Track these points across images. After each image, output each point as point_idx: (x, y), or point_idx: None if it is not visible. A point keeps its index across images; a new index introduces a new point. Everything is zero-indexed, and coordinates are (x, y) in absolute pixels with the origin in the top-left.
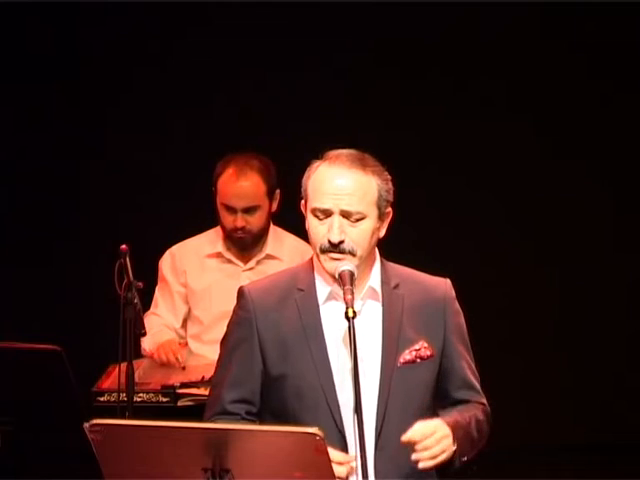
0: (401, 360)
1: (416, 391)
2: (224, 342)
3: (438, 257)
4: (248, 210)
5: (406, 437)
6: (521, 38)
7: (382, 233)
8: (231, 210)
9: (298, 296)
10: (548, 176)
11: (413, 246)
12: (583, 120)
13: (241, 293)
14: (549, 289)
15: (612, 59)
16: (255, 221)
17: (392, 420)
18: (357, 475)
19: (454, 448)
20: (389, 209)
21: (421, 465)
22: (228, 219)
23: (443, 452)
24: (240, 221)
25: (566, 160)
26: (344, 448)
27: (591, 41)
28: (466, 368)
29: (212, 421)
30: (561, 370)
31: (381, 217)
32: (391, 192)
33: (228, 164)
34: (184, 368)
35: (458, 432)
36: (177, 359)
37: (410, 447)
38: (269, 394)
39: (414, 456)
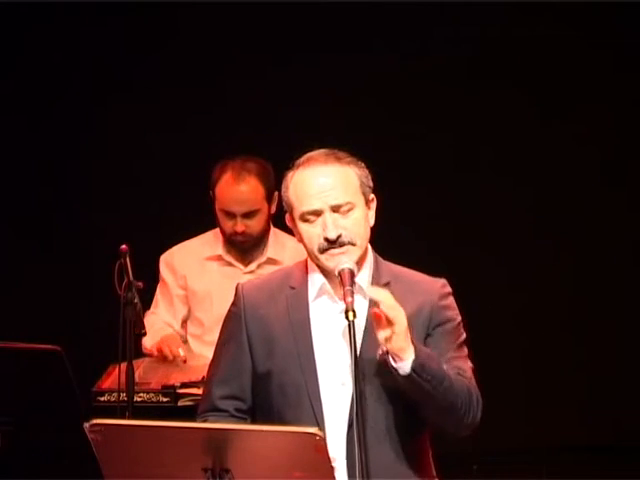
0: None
1: (393, 384)
2: (218, 338)
3: (441, 253)
4: (248, 215)
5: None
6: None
7: (372, 221)
8: (230, 215)
9: (289, 293)
10: (560, 162)
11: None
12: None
13: (235, 290)
14: (549, 292)
15: None
16: (255, 225)
17: (365, 413)
18: (357, 475)
19: (408, 337)
20: (372, 195)
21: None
22: (228, 224)
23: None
24: (240, 226)
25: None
26: None
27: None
28: (452, 360)
29: (204, 418)
30: (562, 371)
31: (367, 204)
32: (370, 178)
33: (225, 169)
34: (185, 361)
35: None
36: (178, 353)
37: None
38: (257, 390)
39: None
